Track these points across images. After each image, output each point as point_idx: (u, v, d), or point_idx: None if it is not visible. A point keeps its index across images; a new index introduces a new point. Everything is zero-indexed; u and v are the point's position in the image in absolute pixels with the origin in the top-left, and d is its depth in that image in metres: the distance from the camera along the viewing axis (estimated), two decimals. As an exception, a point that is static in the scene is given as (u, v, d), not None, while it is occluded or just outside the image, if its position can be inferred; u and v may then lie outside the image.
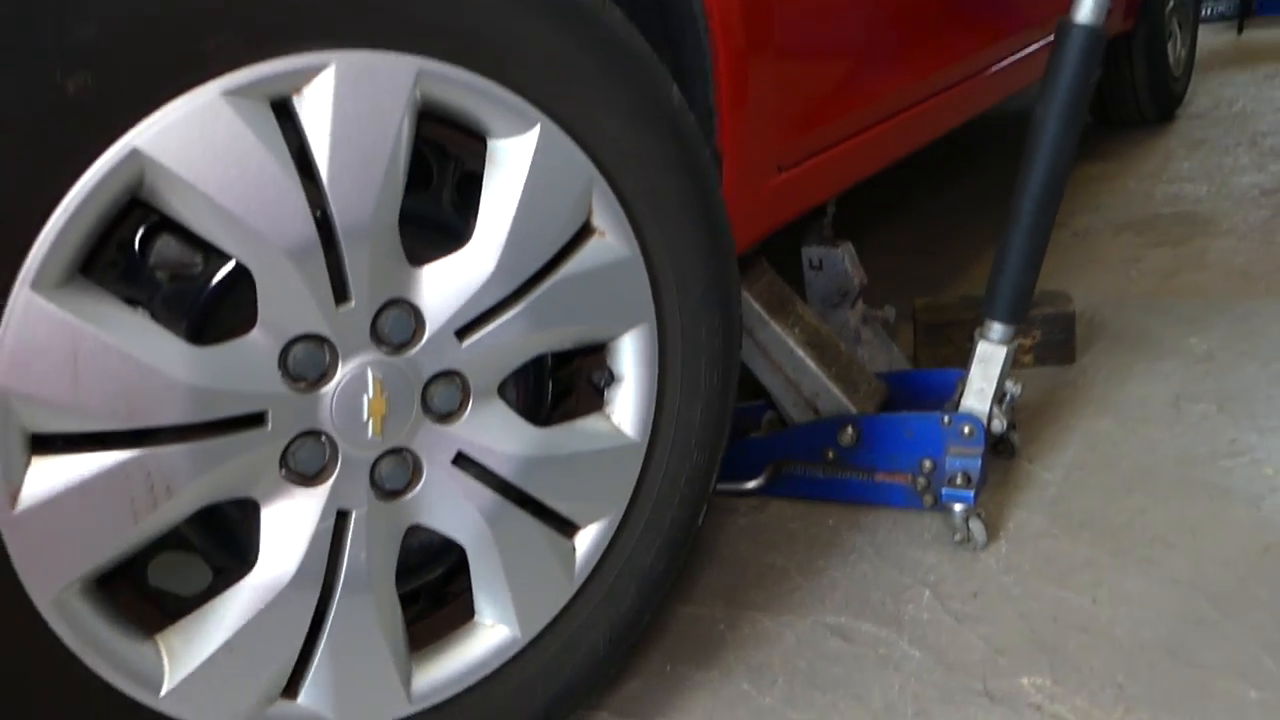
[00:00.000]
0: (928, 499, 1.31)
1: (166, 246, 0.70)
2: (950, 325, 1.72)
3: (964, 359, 1.70)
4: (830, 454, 1.35)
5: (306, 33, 0.66)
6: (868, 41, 1.35)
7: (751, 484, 1.39)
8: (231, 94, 0.65)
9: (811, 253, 1.55)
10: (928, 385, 1.44)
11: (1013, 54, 1.85)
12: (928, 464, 1.30)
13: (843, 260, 1.53)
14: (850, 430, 1.32)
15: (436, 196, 0.81)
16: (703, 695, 1.06)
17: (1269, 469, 1.33)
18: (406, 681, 0.82)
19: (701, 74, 1.05)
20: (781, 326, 1.35)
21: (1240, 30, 4.21)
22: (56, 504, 0.63)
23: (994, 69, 1.79)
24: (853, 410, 1.35)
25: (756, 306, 1.34)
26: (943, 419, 1.27)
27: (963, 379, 1.30)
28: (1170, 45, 3.01)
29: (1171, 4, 2.98)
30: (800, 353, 1.35)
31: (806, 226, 1.55)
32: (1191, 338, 1.74)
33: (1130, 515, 1.28)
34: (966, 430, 1.26)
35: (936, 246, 2.42)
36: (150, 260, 0.70)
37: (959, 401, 1.29)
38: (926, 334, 1.74)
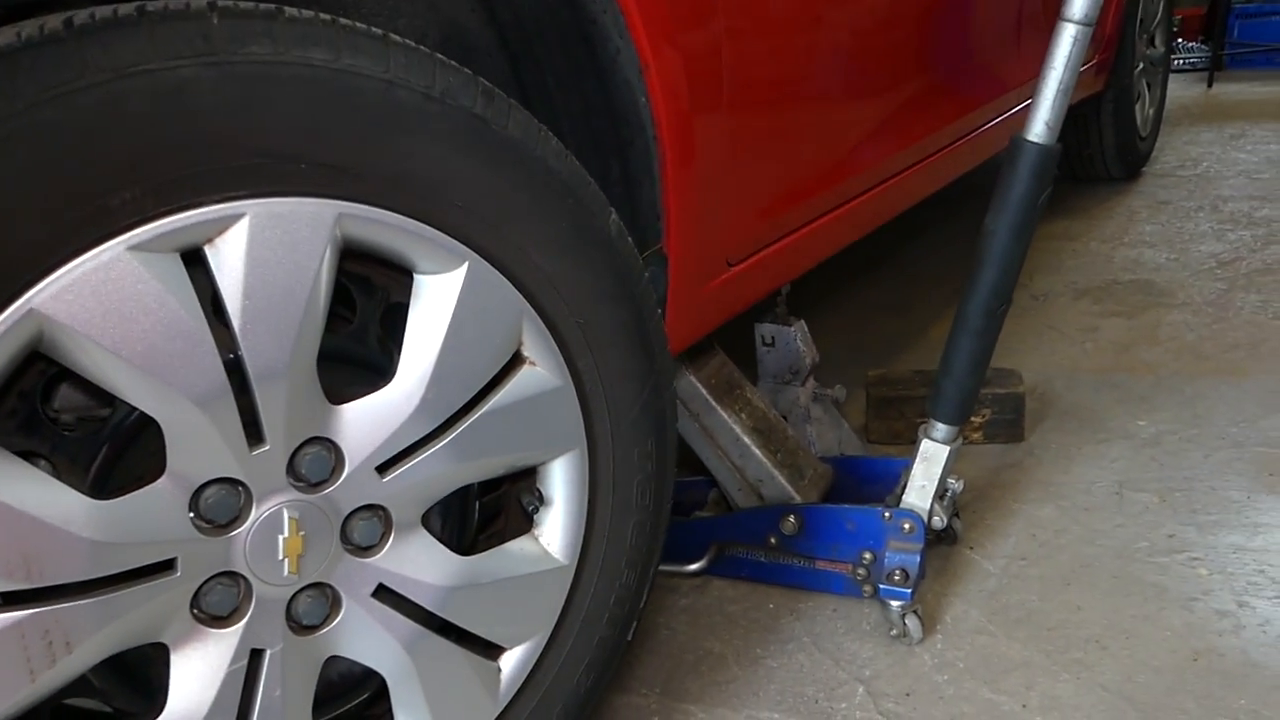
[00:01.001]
0: (867, 589, 1.30)
1: (69, 395, 0.68)
2: (902, 400, 1.71)
3: (914, 433, 1.69)
4: (773, 540, 1.33)
5: (220, 184, 0.64)
6: (818, 137, 1.33)
7: (693, 566, 1.37)
8: (137, 249, 0.62)
9: (765, 330, 1.53)
10: (873, 472, 1.43)
11: (964, 134, 1.83)
12: (868, 555, 1.28)
13: (795, 339, 1.51)
14: (793, 519, 1.30)
15: (360, 331, 0.78)
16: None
17: (1203, 570, 1.32)
18: (320, 813, 0.79)
19: (650, 178, 1.03)
20: (728, 413, 1.33)
21: (1210, 84, 4.21)
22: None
23: (945, 149, 1.77)
24: (796, 498, 1.33)
25: (703, 391, 1.32)
26: (884, 514, 1.26)
27: (907, 469, 1.29)
28: (1139, 106, 3.01)
29: (1141, 65, 2.98)
30: (746, 439, 1.33)
31: (761, 304, 1.53)
32: (1140, 419, 1.72)
33: (1066, 613, 1.26)
34: (906, 526, 1.24)
35: (903, 301, 2.40)
36: (51, 410, 0.67)
37: (900, 496, 1.27)
38: (878, 407, 1.72)
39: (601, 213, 0.84)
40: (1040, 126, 1.07)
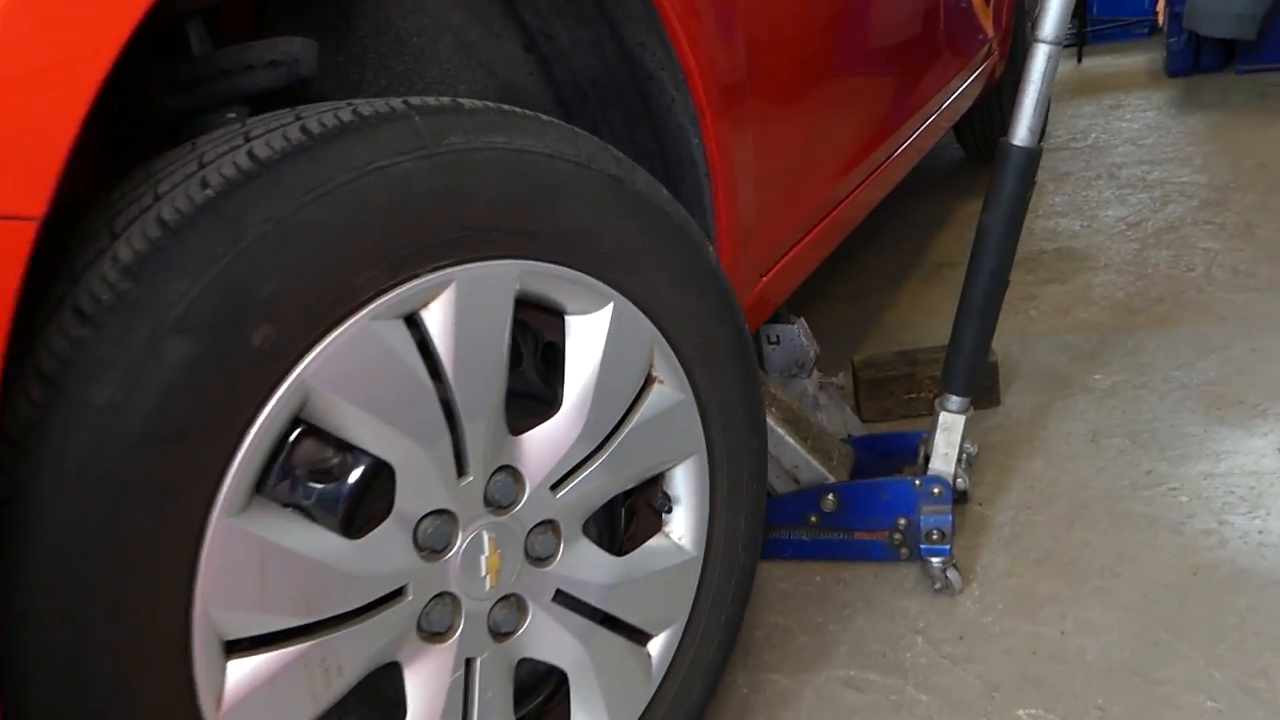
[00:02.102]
0: (904, 551, 1.45)
1: (308, 451, 0.77)
2: (890, 380, 1.87)
3: (903, 409, 1.85)
4: (813, 518, 1.47)
5: (434, 256, 0.74)
6: (815, 161, 1.48)
7: (747, 552, 1.50)
8: (376, 319, 0.72)
9: (769, 330, 1.67)
10: (888, 447, 1.58)
11: (897, 148, 2.01)
12: (903, 521, 1.43)
13: (798, 335, 1.66)
14: (831, 497, 1.45)
15: (523, 369, 0.89)
16: (747, 760, 1.17)
17: (1184, 496, 1.51)
18: (525, 797, 0.89)
19: (701, 210, 1.15)
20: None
21: (1079, 59, 4.55)
22: (254, 698, 0.69)
23: (886, 162, 1.95)
24: (830, 478, 1.48)
25: (740, 393, 1.45)
26: (915, 482, 1.41)
27: (925, 440, 1.44)
28: (1030, 88, 3.27)
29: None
30: (780, 430, 1.46)
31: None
32: (1095, 374, 1.93)
33: (1077, 549, 1.44)
34: (936, 490, 1.40)
35: (857, 290, 2.58)
36: (297, 466, 0.76)
37: (925, 465, 1.43)
38: (868, 389, 1.88)
39: (704, 245, 0.96)
40: (1024, 132, 1.24)
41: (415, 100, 0.75)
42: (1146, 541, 1.43)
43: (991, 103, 3.10)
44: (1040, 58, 1.20)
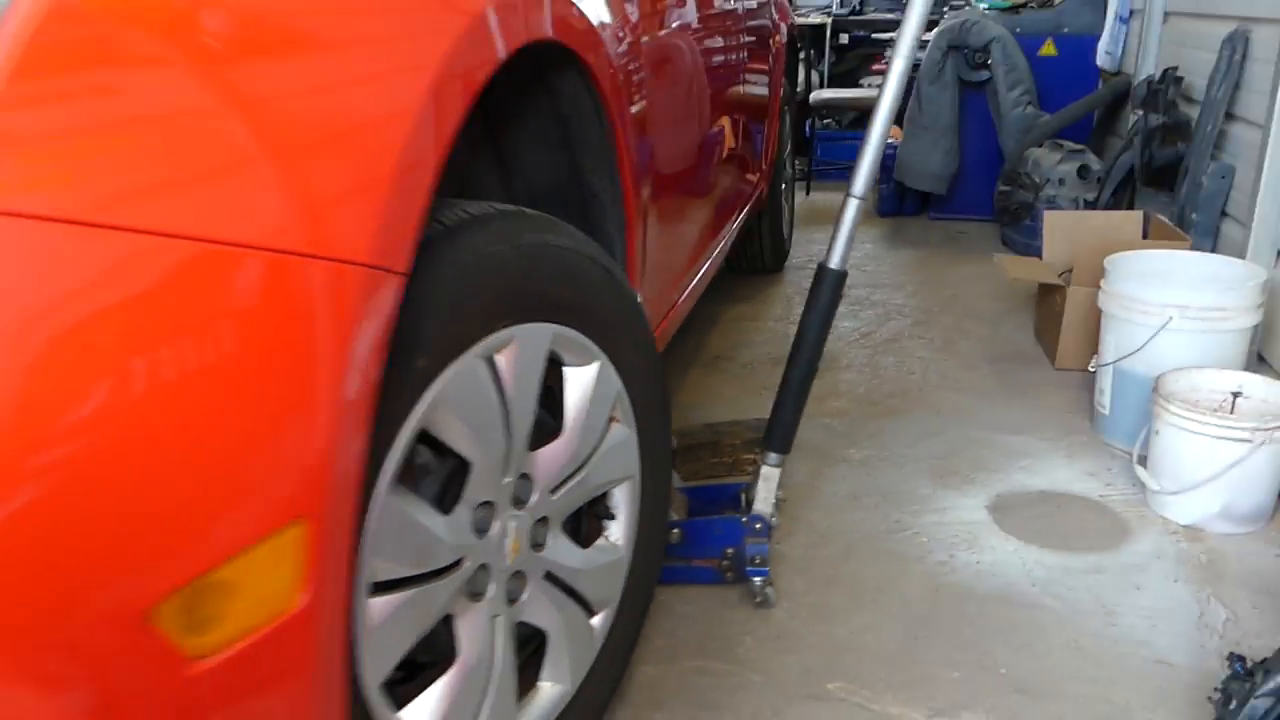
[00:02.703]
0: (730, 576, 1.85)
1: (422, 450, 1.05)
2: (698, 446, 2.30)
3: (709, 471, 2.26)
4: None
5: (508, 317, 1.07)
6: (680, 258, 1.91)
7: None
8: (475, 357, 1.03)
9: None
10: (713, 496, 1.99)
11: (724, 242, 2.50)
12: (730, 551, 1.83)
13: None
14: (676, 532, 1.83)
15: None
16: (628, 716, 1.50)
17: (923, 538, 2.03)
18: (514, 730, 1.19)
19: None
20: (627, 459, 1.83)
21: (808, 192, 5.38)
22: (391, 621, 0.96)
23: (716, 254, 2.42)
24: (674, 517, 1.86)
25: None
26: (741, 520, 1.82)
27: (747, 489, 1.86)
28: (783, 215, 3.93)
29: (784, 184, 3.91)
30: (639, 477, 1.83)
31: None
32: (850, 449, 2.46)
33: (852, 575, 1.90)
34: (758, 526, 1.82)
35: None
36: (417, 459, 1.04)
37: (748, 507, 1.84)
38: (682, 454, 2.30)
39: (648, 323, 1.33)
40: (837, 259, 1.72)
41: (499, 205, 1.08)
42: (901, 569, 1.92)
43: (752, 224, 3.71)
44: (851, 209, 1.70)
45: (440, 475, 1.06)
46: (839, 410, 2.70)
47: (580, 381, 1.21)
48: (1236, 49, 2.85)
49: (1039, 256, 3.11)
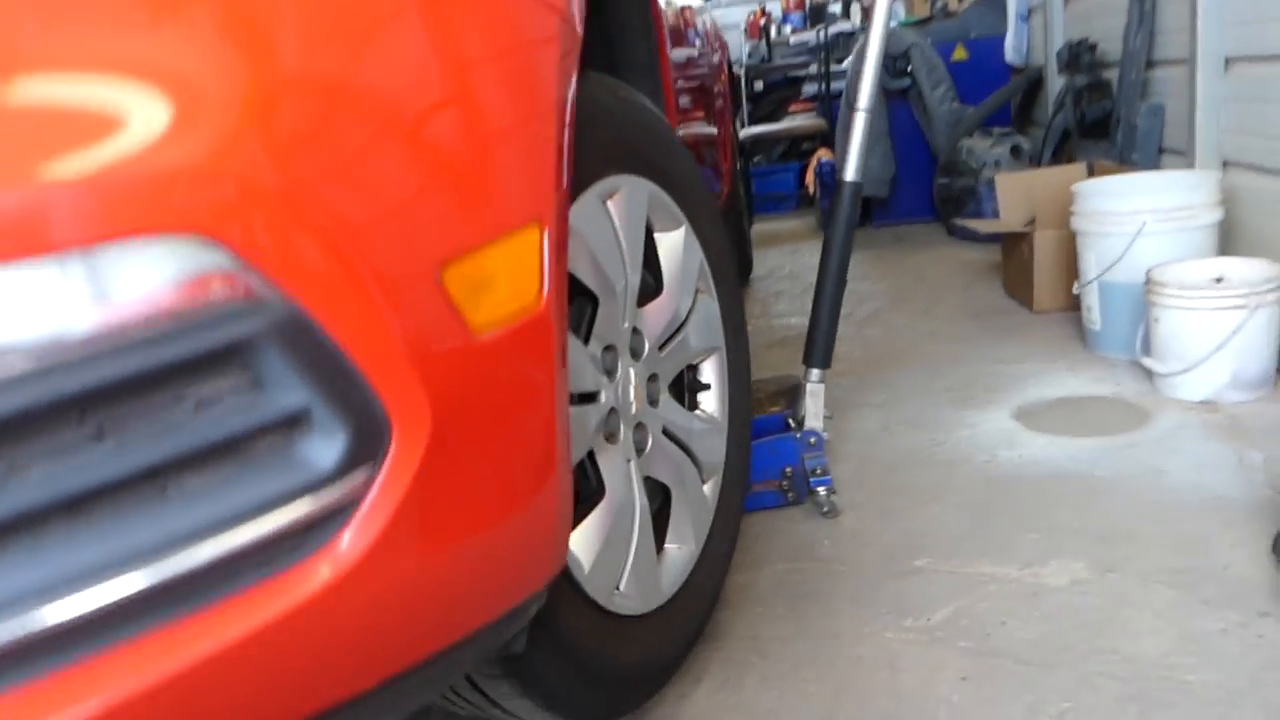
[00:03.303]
0: (791, 496, 1.90)
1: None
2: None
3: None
4: (721, 479, 1.89)
5: (618, 166, 1.14)
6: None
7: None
8: (595, 196, 1.10)
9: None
10: (759, 427, 2.04)
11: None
12: (789, 470, 1.89)
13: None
14: (735, 457, 1.87)
15: (634, 267, 1.27)
16: (731, 615, 1.53)
17: (962, 446, 2.11)
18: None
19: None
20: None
21: (751, 221, 5.59)
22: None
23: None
24: (730, 446, 1.91)
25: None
26: (794, 436, 1.88)
27: (791, 413, 1.93)
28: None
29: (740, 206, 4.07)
30: (690, 411, 1.89)
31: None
32: (866, 396, 2.55)
33: (906, 481, 1.97)
34: (812, 440, 1.88)
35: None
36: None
37: (799, 426, 1.90)
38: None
39: (716, 206, 1.41)
40: (852, 171, 1.83)
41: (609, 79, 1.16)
42: (949, 472, 1.99)
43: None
44: (860, 120, 1.82)
45: (573, 312, 1.11)
46: (843, 372, 2.79)
47: (672, 245, 1.28)
48: (1145, 1, 3.10)
49: (983, 241, 3.28)
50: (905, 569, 1.64)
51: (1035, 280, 3.03)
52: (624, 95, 1.16)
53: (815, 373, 1.92)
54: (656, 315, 1.24)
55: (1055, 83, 4.08)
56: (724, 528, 1.38)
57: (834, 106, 5.63)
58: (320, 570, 0.57)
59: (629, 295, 1.16)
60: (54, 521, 0.49)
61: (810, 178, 5.48)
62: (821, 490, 1.85)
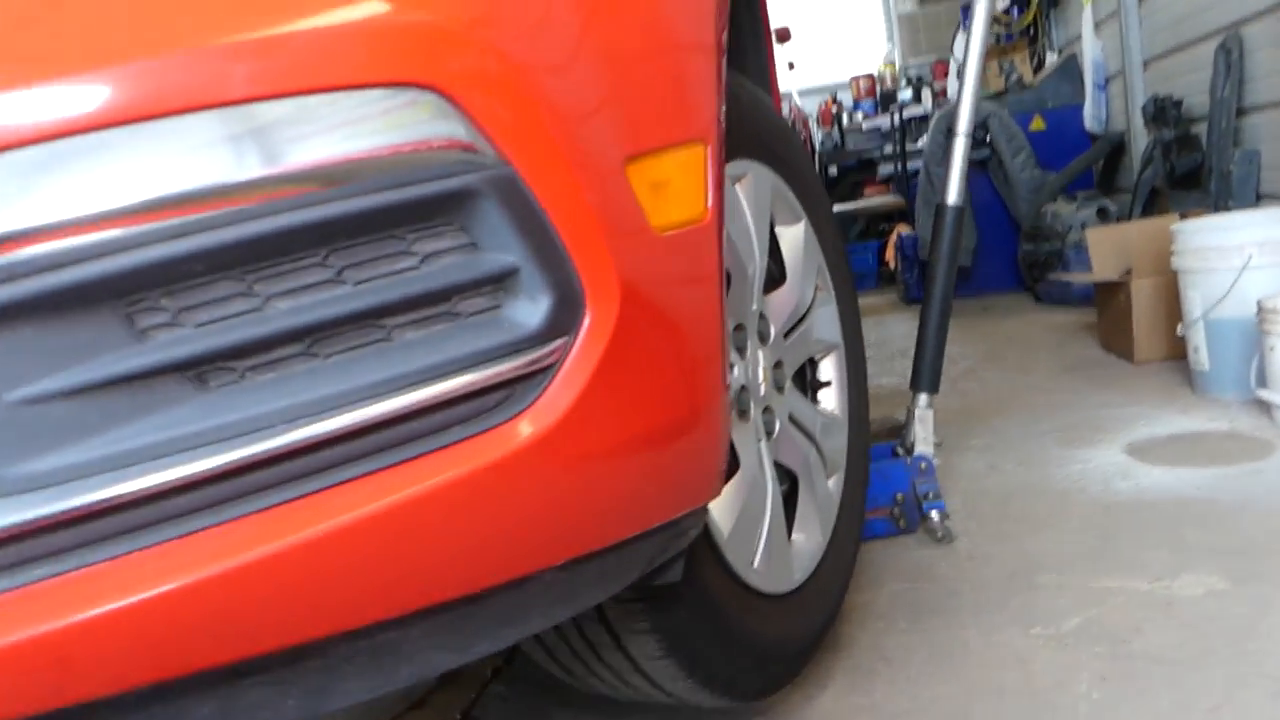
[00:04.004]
0: (902, 523, 1.88)
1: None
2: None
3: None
4: (830, 506, 1.89)
5: (748, 151, 1.19)
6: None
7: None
8: (728, 177, 1.15)
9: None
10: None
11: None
12: (900, 496, 1.88)
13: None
14: (845, 483, 1.88)
15: (756, 260, 1.32)
16: (852, 629, 1.51)
17: (1075, 480, 2.08)
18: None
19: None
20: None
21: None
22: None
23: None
24: (838, 473, 1.91)
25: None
26: (905, 461, 1.88)
27: (900, 441, 1.93)
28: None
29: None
30: (797, 438, 1.90)
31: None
32: (969, 441, 2.53)
33: (1022, 511, 1.94)
34: (923, 466, 1.87)
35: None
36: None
37: (909, 452, 1.90)
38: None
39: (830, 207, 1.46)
40: (954, 195, 1.87)
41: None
42: (1065, 501, 1.97)
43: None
44: (959, 147, 1.86)
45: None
46: (942, 421, 2.77)
47: (793, 238, 1.33)
48: (1231, 51, 3.14)
49: (1073, 305, 3.28)
50: (1028, 584, 1.61)
51: (1135, 330, 3.00)
52: (749, 87, 1.22)
53: (923, 398, 1.92)
54: (781, 303, 1.27)
55: (1139, 141, 4.10)
56: (847, 527, 1.38)
57: (911, 186, 5.72)
58: (520, 430, 0.60)
59: (757, 278, 1.20)
60: (299, 354, 0.54)
61: (890, 253, 5.53)
62: (935, 514, 1.83)
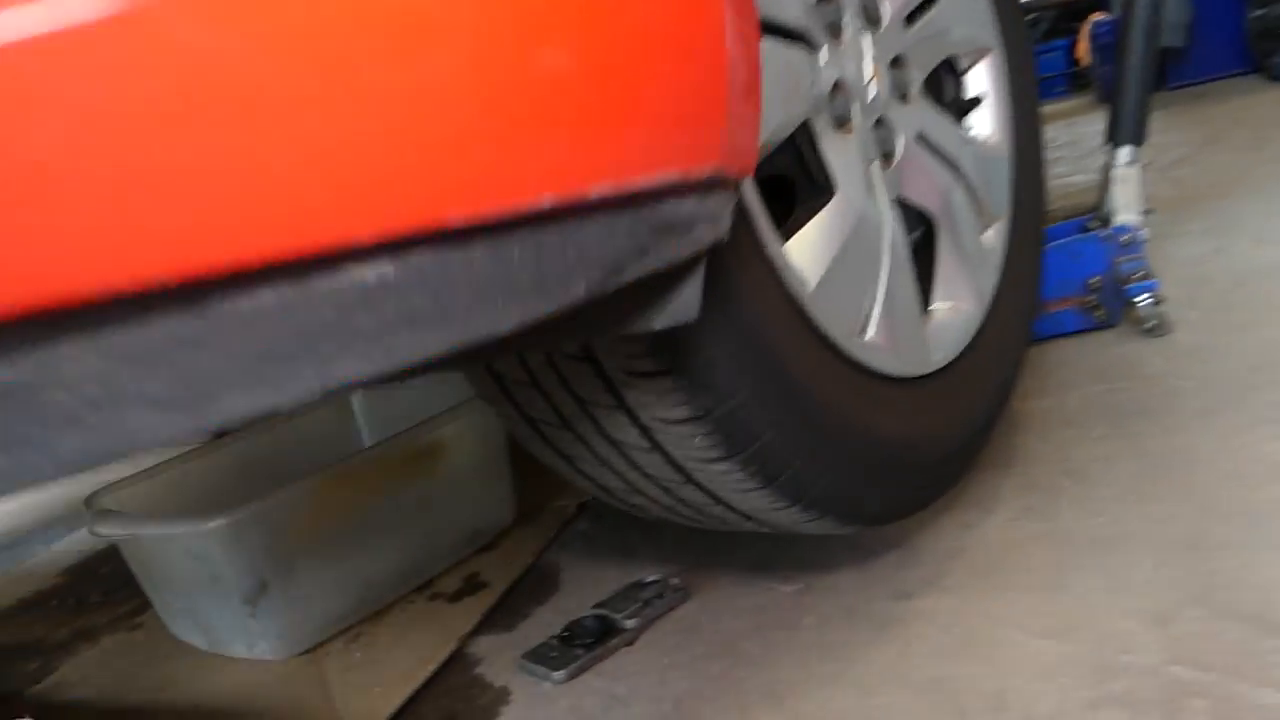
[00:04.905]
0: (1099, 314, 1.47)
1: None
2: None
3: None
4: (1001, 300, 1.49)
5: None
6: None
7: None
8: None
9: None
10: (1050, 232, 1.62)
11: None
12: (1095, 281, 1.46)
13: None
14: (1019, 269, 1.47)
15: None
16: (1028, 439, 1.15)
17: None
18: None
19: None
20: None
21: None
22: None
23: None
24: (1010, 258, 1.51)
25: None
26: (1101, 235, 1.45)
27: (1095, 215, 1.50)
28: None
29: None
30: (955, 216, 1.50)
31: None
32: (1192, 224, 2.04)
33: (1260, 297, 1.49)
34: (1125, 239, 1.44)
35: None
36: None
37: (1106, 224, 1.47)
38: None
39: None
40: None
41: None
42: None
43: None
44: None
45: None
46: (1162, 202, 2.28)
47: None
48: None
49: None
50: (1274, 379, 1.19)
51: None
52: None
53: (1125, 151, 1.48)
54: (900, -26, 0.89)
55: None
56: (1014, 294, 1.01)
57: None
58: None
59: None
60: None
61: (1083, 48, 4.79)
62: (1144, 298, 1.41)
